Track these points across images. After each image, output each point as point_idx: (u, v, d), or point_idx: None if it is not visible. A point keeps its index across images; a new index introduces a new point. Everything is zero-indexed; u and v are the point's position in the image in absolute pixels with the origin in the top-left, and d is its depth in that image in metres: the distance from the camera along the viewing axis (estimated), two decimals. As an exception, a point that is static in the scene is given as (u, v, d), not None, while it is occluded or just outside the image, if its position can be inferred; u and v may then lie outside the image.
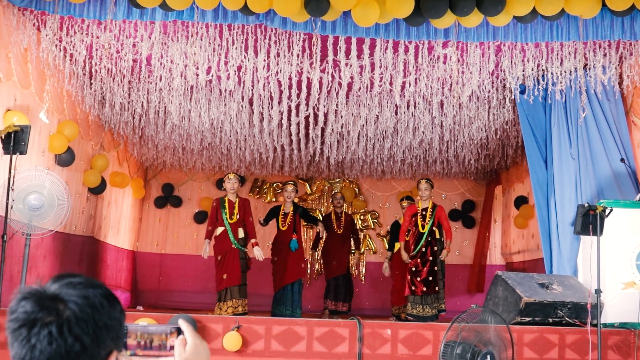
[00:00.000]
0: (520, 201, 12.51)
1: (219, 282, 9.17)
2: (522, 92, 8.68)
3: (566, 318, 6.96)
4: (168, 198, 14.79)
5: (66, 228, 9.54)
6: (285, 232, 10.09)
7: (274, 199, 14.76)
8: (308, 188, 14.89)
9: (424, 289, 9.10)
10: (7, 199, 6.27)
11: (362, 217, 14.82)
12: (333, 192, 12.70)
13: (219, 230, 9.28)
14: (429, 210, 9.39)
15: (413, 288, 9.17)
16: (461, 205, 14.87)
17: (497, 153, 11.98)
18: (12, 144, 6.29)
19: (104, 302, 1.50)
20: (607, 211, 6.36)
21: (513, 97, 8.79)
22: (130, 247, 13.98)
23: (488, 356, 5.01)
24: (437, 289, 9.16)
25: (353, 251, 14.57)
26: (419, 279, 9.17)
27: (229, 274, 9.09)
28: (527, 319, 6.90)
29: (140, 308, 13.42)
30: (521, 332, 6.77)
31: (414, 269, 9.26)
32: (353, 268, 13.18)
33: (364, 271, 14.65)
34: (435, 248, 9.25)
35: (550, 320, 7.00)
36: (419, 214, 9.50)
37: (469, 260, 14.55)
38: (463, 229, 14.82)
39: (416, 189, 14.70)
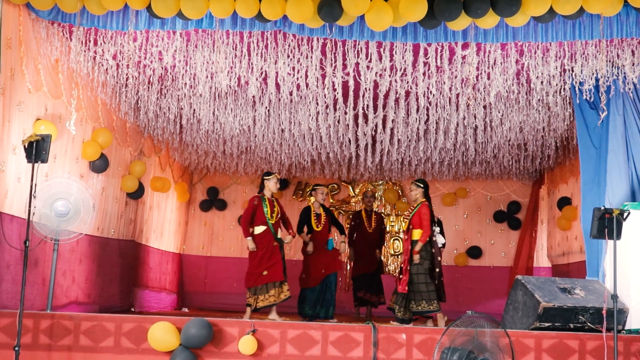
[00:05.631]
0: (564, 202, 12.24)
1: (258, 277, 9.13)
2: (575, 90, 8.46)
3: (588, 324, 6.81)
4: (213, 201, 15.05)
5: (103, 232, 9.83)
6: (321, 232, 10.22)
7: (317, 202, 14.85)
8: (351, 190, 14.92)
9: (398, 287, 9.14)
10: (30, 206, 6.50)
11: (405, 219, 14.73)
12: (364, 191, 12.65)
13: (260, 229, 9.23)
14: (413, 210, 9.34)
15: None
16: (507, 206, 14.63)
17: (537, 154, 11.76)
18: (34, 153, 6.52)
19: None
20: (625, 214, 6.19)
21: (540, 97, 8.63)
22: (176, 250, 14.28)
23: (486, 363, 4.96)
24: (406, 289, 8.98)
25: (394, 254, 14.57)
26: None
27: (271, 271, 9.10)
28: (547, 324, 6.78)
29: (186, 310, 13.70)
30: (540, 338, 6.64)
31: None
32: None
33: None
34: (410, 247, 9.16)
35: (572, 325, 6.85)
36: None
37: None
38: (509, 230, 14.60)
39: (460, 191, 14.68)
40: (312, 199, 10.68)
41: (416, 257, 8.97)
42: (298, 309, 10.26)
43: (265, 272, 9.11)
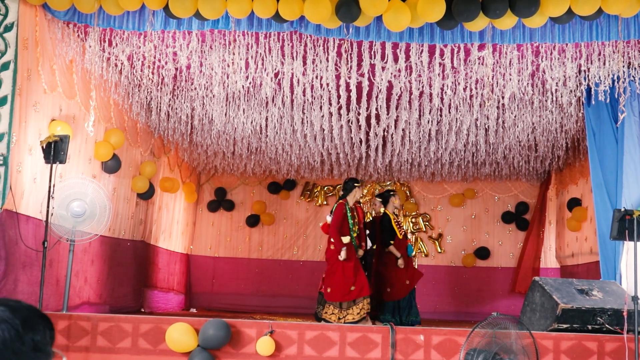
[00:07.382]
0: (574, 203, 12.23)
1: (348, 293, 8.65)
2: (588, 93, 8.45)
3: (606, 325, 6.79)
4: (221, 202, 15.04)
5: (115, 233, 9.81)
6: (402, 240, 9.72)
7: (325, 203, 14.86)
8: (359, 191, 14.90)
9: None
10: (48, 207, 6.49)
11: (413, 219, 14.75)
12: (371, 198, 12.54)
13: (346, 239, 8.75)
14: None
15: None
16: (515, 207, 14.62)
17: (548, 155, 11.76)
18: (52, 153, 6.52)
19: (12, 336, 1.61)
20: (645, 216, 6.18)
21: (554, 99, 8.62)
22: (184, 250, 14.27)
23: (513, 364, 4.94)
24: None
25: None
26: None
27: (358, 285, 8.69)
28: (565, 326, 6.76)
29: (194, 310, 13.69)
30: (558, 339, 6.63)
31: None
32: None
33: (415, 274, 14.56)
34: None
35: (590, 327, 6.84)
36: None
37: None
38: (517, 231, 14.58)
39: (468, 191, 14.64)
40: (388, 205, 9.74)
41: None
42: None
43: (352, 288, 8.68)
